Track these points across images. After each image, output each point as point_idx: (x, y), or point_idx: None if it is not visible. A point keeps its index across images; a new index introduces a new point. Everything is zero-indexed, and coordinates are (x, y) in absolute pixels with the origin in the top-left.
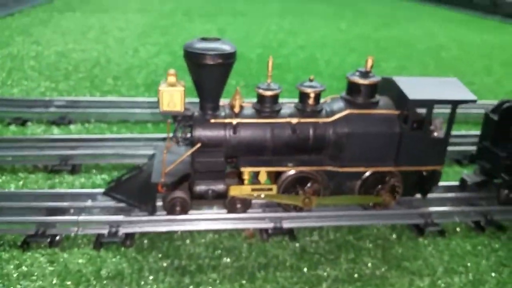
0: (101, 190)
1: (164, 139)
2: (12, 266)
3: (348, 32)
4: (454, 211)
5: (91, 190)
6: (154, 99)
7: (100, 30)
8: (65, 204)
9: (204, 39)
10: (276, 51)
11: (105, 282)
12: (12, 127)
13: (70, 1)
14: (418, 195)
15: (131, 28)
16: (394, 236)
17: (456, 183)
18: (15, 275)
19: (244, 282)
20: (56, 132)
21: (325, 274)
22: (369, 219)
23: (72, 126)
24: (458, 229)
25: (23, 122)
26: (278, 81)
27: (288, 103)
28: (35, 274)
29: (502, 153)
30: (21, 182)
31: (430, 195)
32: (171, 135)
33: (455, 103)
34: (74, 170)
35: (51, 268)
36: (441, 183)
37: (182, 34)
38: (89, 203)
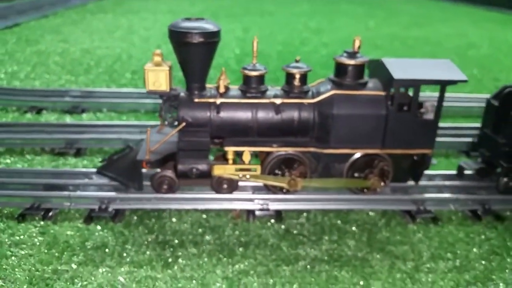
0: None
1: None
2: (6, 235)
3: (376, 30)
4: (449, 198)
5: (87, 169)
6: None
7: (127, 29)
8: (61, 181)
9: (187, 19)
10: (297, 49)
11: (89, 252)
12: (28, 115)
13: (103, 3)
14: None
15: (157, 28)
16: (382, 221)
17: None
18: (7, 243)
19: (222, 257)
20: (68, 121)
21: (304, 253)
22: (359, 204)
23: (84, 115)
24: (453, 217)
25: (38, 111)
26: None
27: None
28: (26, 243)
29: (502, 140)
30: (27, 164)
31: (426, 183)
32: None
33: (443, 83)
34: (79, 153)
35: (41, 238)
36: (439, 172)
37: None
38: (84, 180)
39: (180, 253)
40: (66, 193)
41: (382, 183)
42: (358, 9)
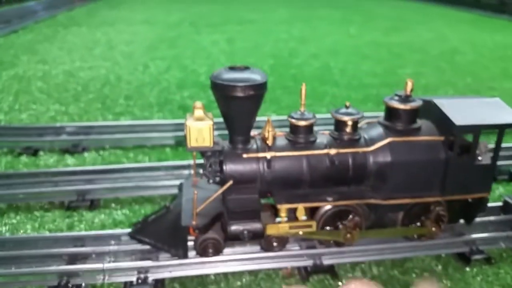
0: (123, 230)
1: (189, 167)
2: None
3: (358, 37)
4: (499, 236)
5: (113, 230)
6: (169, 121)
7: (106, 44)
8: (88, 249)
9: (232, 68)
10: (288, 61)
11: None
12: (23, 158)
13: (73, 14)
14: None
15: (138, 41)
16: (439, 267)
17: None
18: None
19: None
20: (70, 162)
21: None
22: (413, 251)
23: (86, 154)
24: (504, 255)
25: (34, 152)
26: (294, 93)
27: (322, 132)
28: None
29: None
30: (37, 223)
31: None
32: (196, 168)
33: (502, 127)
34: (93, 205)
35: None
36: None
37: (191, 46)
38: (113, 247)
39: None
40: (99, 265)
41: (439, 228)
42: (335, 13)
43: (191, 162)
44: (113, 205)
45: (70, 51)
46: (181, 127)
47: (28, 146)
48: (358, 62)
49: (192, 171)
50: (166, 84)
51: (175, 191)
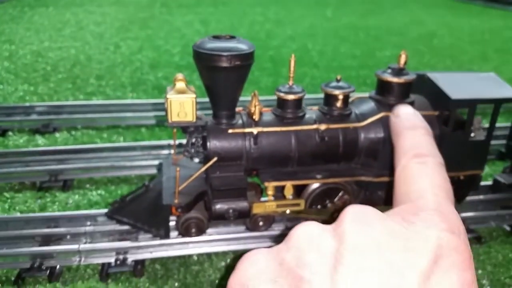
0: (100, 211)
1: (169, 146)
2: None
3: (335, 20)
4: (489, 215)
5: (89, 211)
6: (144, 100)
7: (76, 25)
8: (62, 230)
9: (216, 37)
10: (265, 43)
11: None
12: None
13: None
14: None
15: (108, 22)
16: None
17: (488, 183)
18: None
19: None
20: (40, 142)
21: None
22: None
23: (57, 134)
24: (494, 234)
25: (2, 132)
26: (273, 75)
27: (310, 107)
28: None
29: None
30: (7, 204)
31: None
32: (177, 142)
33: (498, 102)
34: (66, 185)
35: None
36: None
37: (164, 27)
38: (89, 227)
39: None
40: (75, 246)
41: None
42: None
43: (170, 142)
44: (87, 185)
45: (38, 31)
46: (157, 106)
47: None
48: (336, 45)
49: (172, 150)
50: (139, 64)
51: (152, 171)
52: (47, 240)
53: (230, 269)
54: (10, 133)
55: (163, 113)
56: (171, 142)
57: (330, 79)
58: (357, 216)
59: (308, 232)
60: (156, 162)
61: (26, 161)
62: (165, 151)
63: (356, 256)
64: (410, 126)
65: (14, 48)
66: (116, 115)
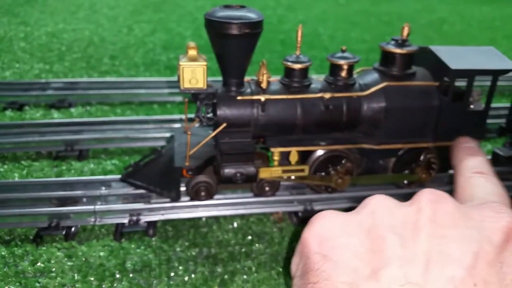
0: (114, 176)
1: (181, 120)
2: (27, 263)
3: (347, 6)
4: None
5: (104, 176)
6: (156, 78)
7: (89, 9)
8: (78, 192)
9: (227, 7)
10: (277, 27)
11: (131, 275)
12: (9, 112)
13: None
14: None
15: (122, 6)
16: None
17: (487, 157)
18: (31, 272)
19: (281, 269)
20: (56, 116)
21: None
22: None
23: (72, 109)
24: None
25: (20, 107)
26: (283, 57)
27: (316, 77)
28: (53, 270)
29: None
30: (25, 171)
31: None
32: (188, 115)
33: (497, 73)
34: (81, 155)
35: (70, 263)
36: None
37: (176, 11)
38: (104, 190)
39: (233, 268)
40: (90, 207)
41: (429, 175)
42: None
43: (181, 116)
44: (102, 155)
45: (52, 14)
46: (169, 84)
47: (13, 101)
48: (347, 29)
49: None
50: (151, 46)
51: (164, 143)
52: (63, 202)
53: (238, 230)
54: (26, 107)
55: (175, 90)
56: (181, 116)
57: None
58: (432, 196)
59: (385, 203)
60: (167, 134)
61: (43, 132)
62: (176, 125)
63: (435, 227)
64: (472, 153)
65: (29, 30)
66: (130, 92)
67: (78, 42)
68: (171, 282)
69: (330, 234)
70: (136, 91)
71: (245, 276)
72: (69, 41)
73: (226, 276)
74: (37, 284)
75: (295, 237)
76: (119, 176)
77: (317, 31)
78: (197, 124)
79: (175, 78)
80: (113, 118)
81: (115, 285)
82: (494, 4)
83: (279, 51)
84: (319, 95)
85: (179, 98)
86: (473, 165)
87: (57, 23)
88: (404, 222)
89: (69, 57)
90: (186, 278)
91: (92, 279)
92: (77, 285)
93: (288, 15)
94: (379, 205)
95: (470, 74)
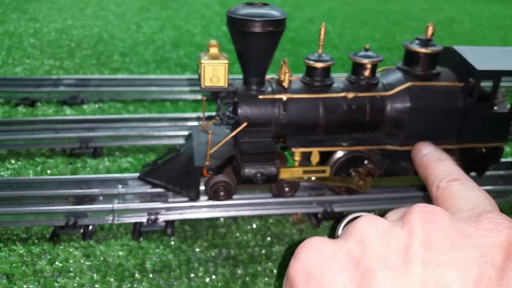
0: (131, 174)
1: (198, 118)
2: (44, 262)
3: (354, 5)
4: (508, 189)
5: (121, 174)
6: (168, 76)
7: (97, 5)
8: (95, 190)
9: (250, 4)
10: None
11: (151, 276)
12: (21, 108)
13: None
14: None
15: (129, 3)
16: None
17: (509, 160)
18: (49, 271)
19: None
20: (69, 113)
21: None
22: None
23: (85, 106)
24: None
25: (32, 103)
26: (293, 56)
27: (338, 76)
28: (71, 269)
29: None
30: (39, 168)
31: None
32: (206, 114)
33: None
34: (96, 153)
35: (88, 263)
36: None
37: (183, 8)
38: (121, 189)
39: (254, 270)
40: (109, 205)
41: None
42: None
43: (193, 115)
44: (117, 153)
45: (60, 10)
46: (181, 82)
47: (25, 97)
48: (356, 28)
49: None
50: (161, 43)
51: (179, 141)
52: (80, 200)
53: (257, 231)
54: (39, 104)
55: (187, 88)
56: (195, 114)
57: (349, 61)
58: (425, 214)
59: (376, 227)
60: (182, 133)
61: (56, 128)
62: (190, 123)
63: (430, 253)
64: (437, 159)
65: (38, 26)
66: (142, 89)
67: (88, 39)
68: (192, 284)
69: (318, 270)
70: (148, 89)
71: (266, 279)
72: (79, 38)
73: (247, 279)
74: (56, 284)
75: None
76: (135, 174)
77: (326, 29)
78: (212, 123)
79: (186, 76)
80: (127, 115)
81: (135, 286)
82: (504, 3)
83: (289, 49)
84: (342, 94)
85: (191, 96)
86: (445, 172)
87: (65, 20)
88: (396, 249)
89: (79, 54)
90: (207, 280)
91: (112, 279)
92: (96, 286)
93: (295, 13)
94: (368, 231)
95: (496, 75)
